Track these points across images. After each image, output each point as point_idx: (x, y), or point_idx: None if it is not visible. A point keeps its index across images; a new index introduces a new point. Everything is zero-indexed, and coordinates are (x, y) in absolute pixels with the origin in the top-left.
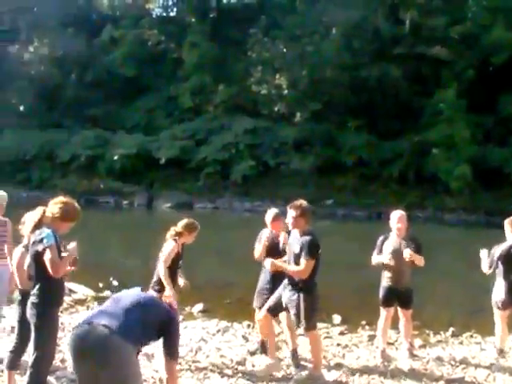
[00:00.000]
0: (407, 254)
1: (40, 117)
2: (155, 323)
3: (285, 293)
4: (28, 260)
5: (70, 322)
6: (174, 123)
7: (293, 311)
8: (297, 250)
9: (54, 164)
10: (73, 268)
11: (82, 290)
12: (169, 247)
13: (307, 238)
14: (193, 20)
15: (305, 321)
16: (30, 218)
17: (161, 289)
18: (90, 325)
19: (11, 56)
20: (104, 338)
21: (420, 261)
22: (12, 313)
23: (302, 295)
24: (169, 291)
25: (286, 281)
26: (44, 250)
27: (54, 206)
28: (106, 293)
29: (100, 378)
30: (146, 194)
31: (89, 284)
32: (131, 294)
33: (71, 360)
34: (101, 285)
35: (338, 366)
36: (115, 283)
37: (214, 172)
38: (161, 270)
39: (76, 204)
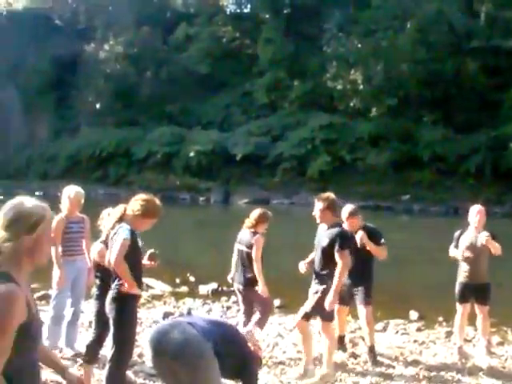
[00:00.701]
0: (483, 237)
1: (116, 114)
2: (235, 354)
3: (311, 287)
4: (107, 255)
5: (147, 316)
6: (250, 119)
7: (309, 302)
8: (325, 243)
9: (130, 161)
10: (153, 263)
11: (159, 286)
12: (259, 244)
13: (335, 229)
14: (267, 16)
15: (320, 309)
16: (112, 214)
17: (253, 284)
18: (171, 321)
19: (87, 55)
20: (186, 335)
21: (496, 248)
22: (90, 308)
23: (324, 287)
24: (263, 287)
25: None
26: (122, 244)
27: (135, 202)
28: (183, 288)
29: (179, 376)
30: (223, 190)
31: (166, 280)
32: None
33: (150, 356)
34: (178, 280)
35: (415, 363)
36: (192, 279)
37: (291, 168)
38: (258, 269)
39: (157, 201)
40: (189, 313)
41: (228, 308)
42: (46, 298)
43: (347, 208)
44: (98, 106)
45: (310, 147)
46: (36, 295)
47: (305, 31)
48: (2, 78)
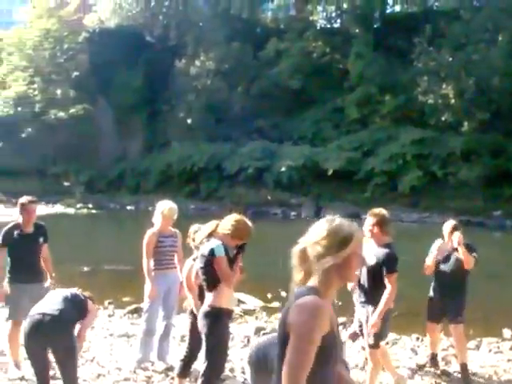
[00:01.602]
0: None
1: (207, 129)
2: None
3: (357, 306)
4: (195, 271)
5: (238, 332)
6: (341, 134)
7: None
8: (372, 262)
9: (221, 176)
10: (240, 276)
11: (251, 301)
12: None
13: (385, 250)
14: (357, 31)
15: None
16: (202, 229)
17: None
18: (271, 337)
19: (178, 70)
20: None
21: None
22: (182, 322)
23: (371, 308)
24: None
25: (356, 295)
26: (214, 260)
27: (227, 222)
28: (275, 303)
29: None
30: (314, 205)
31: (257, 295)
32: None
33: (250, 371)
34: (269, 296)
35: (509, 383)
36: (283, 294)
37: (382, 183)
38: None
39: (249, 223)
40: None
41: None
42: (138, 311)
43: (449, 223)
44: (189, 121)
45: (401, 162)
46: (128, 309)
47: (395, 45)
48: (95, 95)
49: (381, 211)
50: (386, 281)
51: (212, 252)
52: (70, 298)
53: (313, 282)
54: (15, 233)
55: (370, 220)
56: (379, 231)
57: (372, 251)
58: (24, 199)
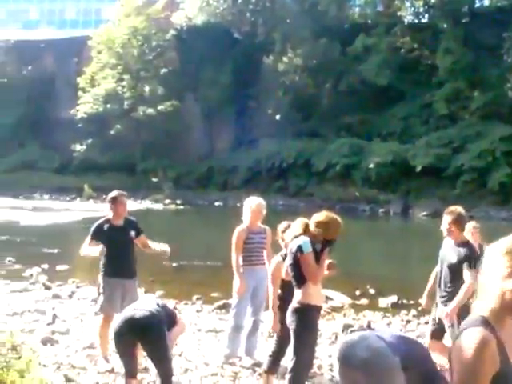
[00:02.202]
0: None
1: (295, 126)
2: None
3: (438, 308)
4: (285, 268)
5: (326, 328)
6: (430, 131)
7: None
8: (453, 260)
9: (309, 172)
10: (330, 272)
11: (338, 298)
12: None
13: (465, 248)
14: (445, 26)
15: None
16: (292, 227)
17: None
18: (360, 333)
19: (266, 67)
20: (375, 348)
21: None
22: (269, 318)
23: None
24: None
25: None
26: (301, 257)
27: (316, 224)
28: (363, 301)
29: None
30: (402, 202)
31: (346, 291)
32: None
33: (338, 366)
34: (358, 293)
35: None
36: (372, 291)
37: (471, 180)
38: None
39: (339, 219)
40: (368, 326)
41: (408, 322)
42: (226, 307)
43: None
44: (277, 117)
45: (490, 159)
46: (216, 304)
47: (484, 40)
48: (184, 91)
49: (456, 209)
50: (466, 276)
51: (299, 249)
52: (161, 305)
53: (485, 309)
54: (105, 227)
55: (447, 218)
56: (456, 229)
57: (452, 249)
58: (115, 193)
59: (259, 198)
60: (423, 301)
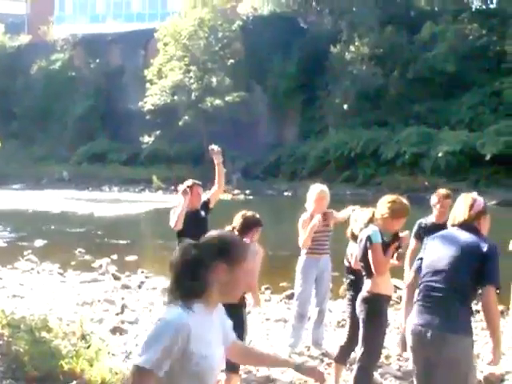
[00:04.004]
0: None
1: (364, 115)
2: None
3: None
4: (355, 257)
5: (395, 318)
6: (499, 118)
7: None
8: None
9: (378, 161)
10: (399, 263)
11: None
12: None
13: None
14: None
15: None
16: (360, 218)
17: None
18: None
19: (333, 56)
20: (440, 335)
21: None
22: (339, 307)
23: None
24: None
25: None
26: (370, 247)
27: (382, 205)
28: None
29: (433, 376)
30: (471, 190)
31: None
32: None
33: (411, 344)
34: None
35: None
36: None
37: None
38: None
39: (404, 200)
40: None
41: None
42: (292, 297)
43: None
44: (345, 106)
45: None
46: (285, 294)
47: None
48: (251, 82)
49: None
50: None
51: (369, 239)
52: None
53: None
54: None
55: None
56: None
57: None
58: (189, 182)
59: (322, 185)
60: None
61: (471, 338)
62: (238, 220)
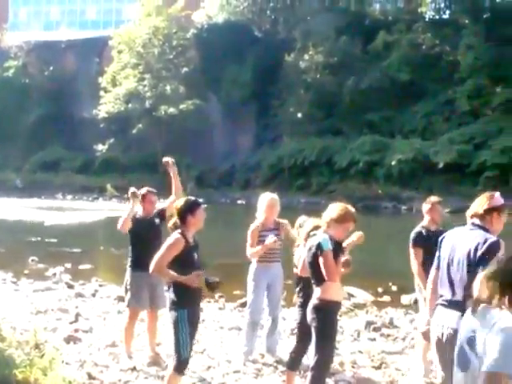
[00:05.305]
0: None
1: (317, 123)
2: None
3: None
4: (302, 263)
5: (349, 326)
6: (452, 127)
7: None
8: None
9: (332, 170)
10: (345, 270)
11: (361, 295)
12: None
13: None
14: (466, 21)
15: None
16: (306, 224)
17: None
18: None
19: (287, 65)
20: None
21: None
22: (293, 315)
23: None
24: None
25: None
26: (321, 255)
27: (328, 210)
28: (385, 298)
29: None
30: (425, 199)
31: (368, 289)
32: None
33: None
34: (380, 290)
35: None
36: (394, 288)
37: (494, 176)
38: None
39: (350, 207)
40: (391, 323)
41: None
42: (245, 305)
43: None
44: (299, 115)
45: None
46: (238, 302)
47: (506, 35)
48: (205, 90)
49: None
50: None
51: (319, 246)
52: None
53: None
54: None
55: None
56: None
57: None
58: (143, 190)
59: (272, 193)
60: None
61: None
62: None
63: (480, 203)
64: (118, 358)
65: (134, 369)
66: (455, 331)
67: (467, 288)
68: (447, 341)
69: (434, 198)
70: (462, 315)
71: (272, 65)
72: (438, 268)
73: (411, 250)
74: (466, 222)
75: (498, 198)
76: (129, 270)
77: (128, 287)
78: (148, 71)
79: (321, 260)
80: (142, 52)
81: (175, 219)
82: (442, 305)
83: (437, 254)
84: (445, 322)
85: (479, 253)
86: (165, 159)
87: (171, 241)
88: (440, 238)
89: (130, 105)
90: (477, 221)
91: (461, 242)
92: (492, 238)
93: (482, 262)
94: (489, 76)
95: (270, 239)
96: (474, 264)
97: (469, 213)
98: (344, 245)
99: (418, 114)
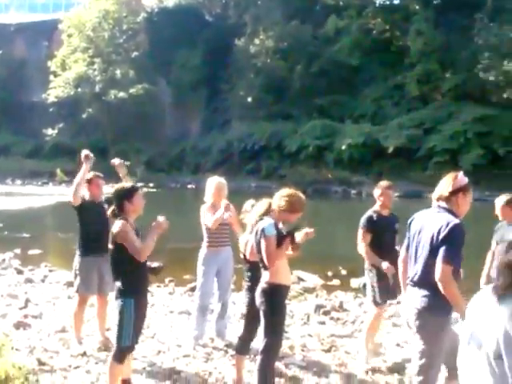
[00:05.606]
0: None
1: (267, 108)
2: None
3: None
4: (251, 247)
5: (298, 310)
6: (402, 112)
7: None
8: None
9: (282, 154)
10: (294, 253)
11: (311, 279)
12: None
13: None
14: (417, 7)
15: None
16: (256, 208)
17: None
18: None
19: (238, 49)
20: None
21: None
22: (241, 299)
23: None
24: None
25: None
26: (264, 239)
27: (280, 198)
28: (335, 281)
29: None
30: (375, 183)
31: (318, 273)
32: None
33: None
34: (330, 274)
35: None
36: (344, 272)
37: (443, 161)
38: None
39: (302, 196)
40: (340, 306)
41: None
42: (195, 289)
43: (502, 198)
44: (249, 99)
45: (462, 140)
46: (188, 286)
47: (455, 21)
48: (155, 74)
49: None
50: None
51: (263, 231)
52: None
53: None
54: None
55: (499, 202)
56: (509, 210)
57: (508, 228)
58: (90, 175)
59: (220, 177)
60: (483, 280)
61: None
62: None
63: (445, 185)
64: (68, 343)
65: (84, 354)
66: (419, 310)
67: (428, 270)
68: (411, 319)
69: (384, 183)
70: (424, 295)
71: (222, 49)
72: (407, 249)
73: (359, 232)
74: (415, 207)
75: (461, 177)
76: (78, 255)
77: (77, 272)
78: (98, 55)
79: (263, 244)
80: (91, 36)
81: (113, 207)
82: (410, 284)
83: (406, 235)
84: (410, 300)
85: (441, 236)
86: (113, 161)
87: (120, 229)
88: (409, 220)
89: (79, 89)
90: (443, 203)
91: (427, 224)
92: (454, 221)
93: (444, 244)
94: (438, 61)
95: (221, 211)
96: (436, 247)
97: (434, 195)
98: (297, 240)
99: (367, 99)
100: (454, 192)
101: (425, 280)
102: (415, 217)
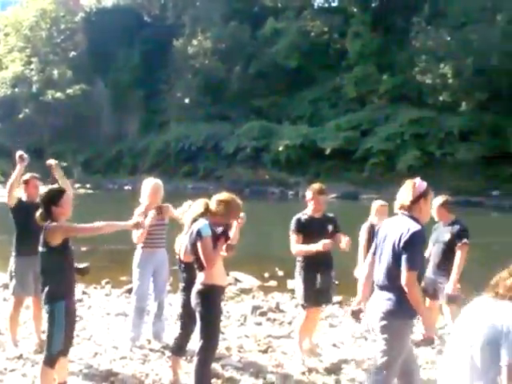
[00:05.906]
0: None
1: (205, 109)
2: None
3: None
4: (185, 248)
5: (235, 311)
6: (339, 114)
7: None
8: (447, 238)
9: (219, 155)
10: (228, 253)
11: (247, 280)
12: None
13: (457, 226)
14: (355, 10)
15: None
16: (192, 208)
17: None
18: None
19: (176, 50)
20: None
21: None
22: (178, 300)
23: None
24: None
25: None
26: (200, 241)
27: (217, 203)
28: (272, 282)
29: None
30: (312, 184)
31: (254, 274)
32: None
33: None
34: (266, 275)
35: None
36: (280, 273)
37: (380, 162)
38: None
39: (238, 201)
40: (277, 307)
41: None
42: (132, 291)
43: (439, 199)
44: (186, 100)
45: (398, 142)
46: (125, 288)
47: (393, 25)
48: (93, 75)
49: (444, 196)
50: (459, 249)
51: (198, 232)
52: None
53: None
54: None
55: (436, 203)
56: (445, 211)
57: (444, 229)
58: (27, 176)
59: (156, 179)
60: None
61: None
62: None
63: (405, 194)
64: (3, 346)
65: (20, 357)
66: (383, 313)
67: (391, 274)
68: (375, 320)
69: (316, 187)
70: (389, 299)
71: (160, 50)
72: (374, 254)
73: (291, 237)
74: (351, 208)
75: (420, 184)
76: (13, 256)
77: (13, 274)
78: (35, 55)
79: (199, 246)
80: (29, 35)
81: (41, 211)
82: (376, 288)
83: (374, 240)
84: (375, 303)
85: (402, 242)
86: (48, 162)
87: (58, 226)
88: (377, 227)
89: (16, 89)
90: (405, 212)
91: (390, 231)
92: (414, 228)
93: (405, 251)
94: (376, 64)
95: (149, 216)
96: (398, 253)
97: (396, 205)
98: (230, 241)
99: (305, 101)
100: (415, 200)
101: (388, 284)
102: (383, 223)
